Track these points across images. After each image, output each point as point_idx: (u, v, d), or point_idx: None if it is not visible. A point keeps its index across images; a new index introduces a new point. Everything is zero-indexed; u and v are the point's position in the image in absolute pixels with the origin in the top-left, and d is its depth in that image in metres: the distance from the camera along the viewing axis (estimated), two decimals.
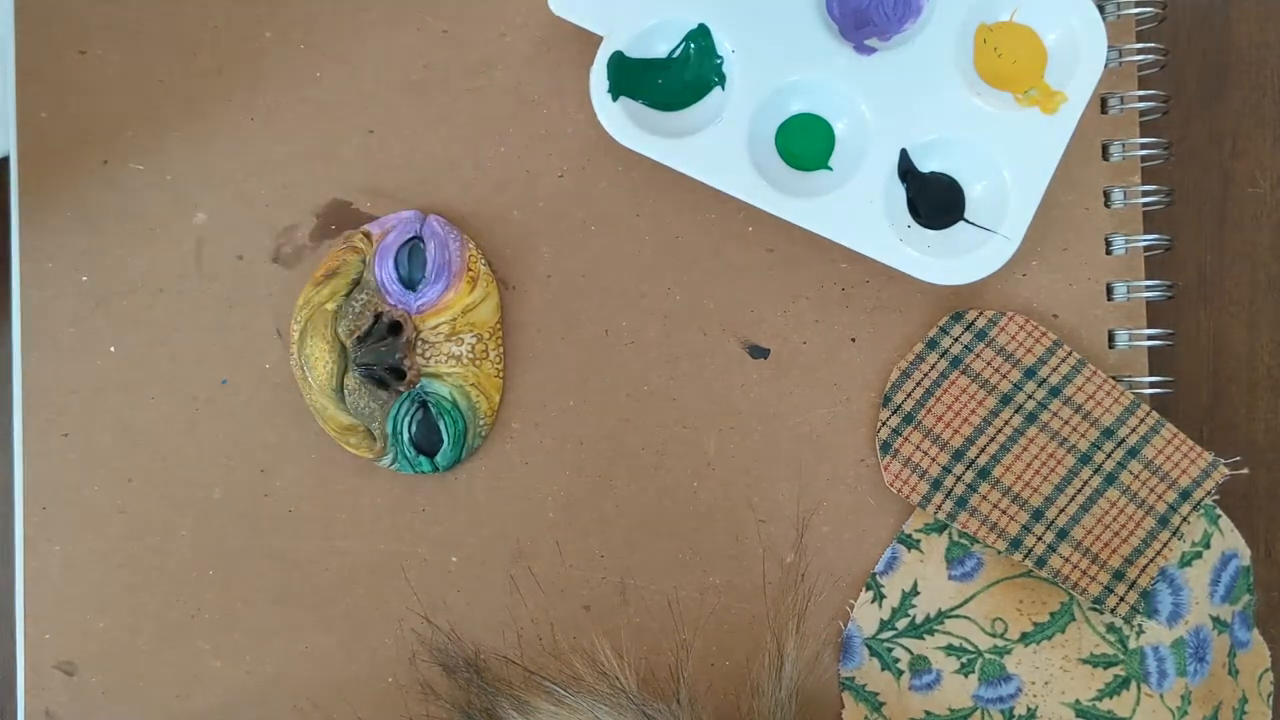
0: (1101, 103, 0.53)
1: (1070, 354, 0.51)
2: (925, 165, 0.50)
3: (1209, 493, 0.51)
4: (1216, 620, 0.51)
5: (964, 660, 0.51)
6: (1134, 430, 0.51)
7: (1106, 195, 0.53)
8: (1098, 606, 0.50)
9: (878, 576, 0.52)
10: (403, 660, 0.52)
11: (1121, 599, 0.50)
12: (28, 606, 0.52)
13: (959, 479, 0.51)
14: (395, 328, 0.51)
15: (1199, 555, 0.51)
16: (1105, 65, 0.50)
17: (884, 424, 0.52)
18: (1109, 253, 0.53)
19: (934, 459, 0.51)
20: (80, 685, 0.52)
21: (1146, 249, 0.53)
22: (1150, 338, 0.52)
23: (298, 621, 0.52)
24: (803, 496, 0.52)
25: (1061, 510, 0.50)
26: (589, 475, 0.52)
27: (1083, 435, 0.51)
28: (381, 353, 0.50)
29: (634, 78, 0.50)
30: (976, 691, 0.51)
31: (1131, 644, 0.50)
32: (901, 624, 0.51)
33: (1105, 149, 0.53)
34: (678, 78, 0.51)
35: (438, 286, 0.51)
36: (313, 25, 0.53)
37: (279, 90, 0.53)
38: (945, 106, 0.50)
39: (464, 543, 0.52)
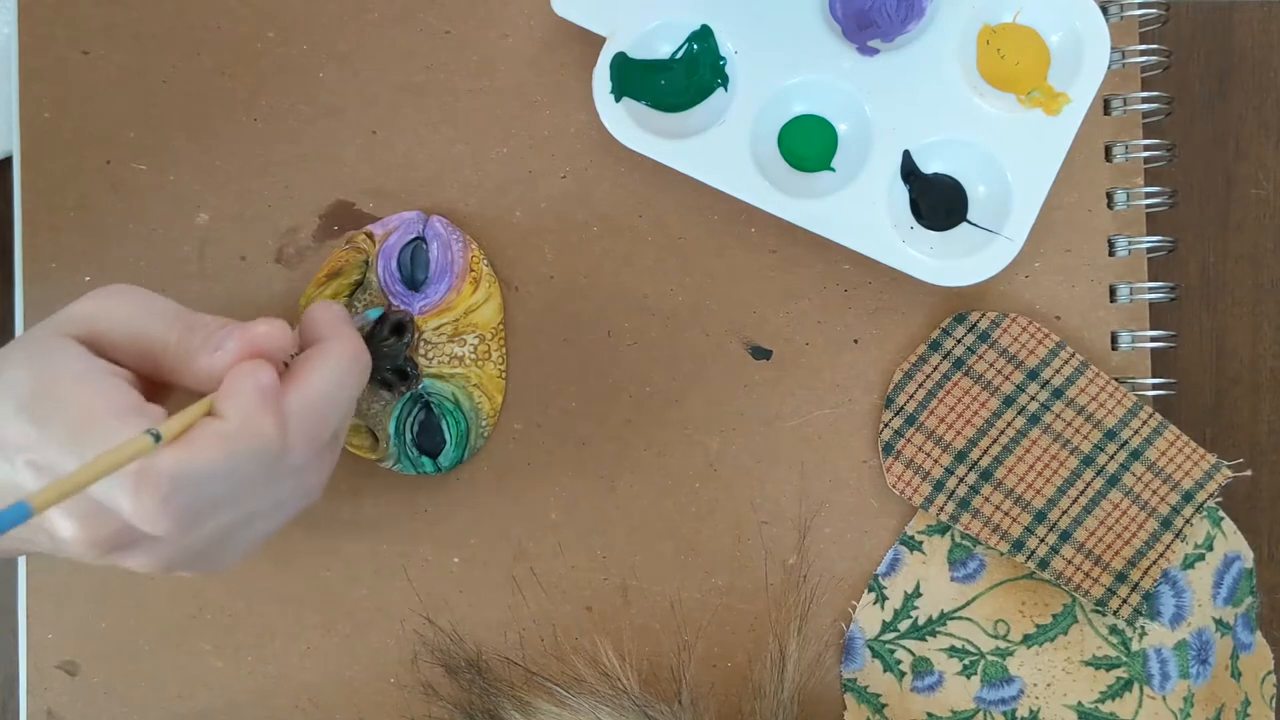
0: (1104, 104, 0.53)
1: (1073, 356, 0.51)
2: (928, 166, 0.50)
3: (1212, 495, 0.50)
4: (1219, 622, 0.51)
5: (966, 662, 0.51)
6: (1137, 432, 0.51)
7: (1109, 197, 0.53)
8: (1100, 608, 0.50)
9: (880, 578, 0.52)
10: (405, 661, 0.52)
11: (1124, 601, 0.50)
12: (30, 606, 0.52)
13: (961, 481, 0.51)
14: (398, 328, 0.51)
15: (1202, 557, 0.51)
16: (1108, 67, 0.50)
17: (886, 425, 0.52)
18: (1112, 254, 0.53)
19: (936, 460, 0.51)
20: (82, 685, 0.52)
21: (1149, 250, 0.53)
22: (1153, 339, 0.52)
23: (299, 622, 0.52)
24: (805, 498, 0.52)
25: (1064, 512, 0.50)
26: (591, 476, 0.52)
27: (1085, 437, 0.51)
28: (384, 354, 0.50)
29: (637, 79, 0.50)
30: (979, 693, 0.51)
31: (1134, 646, 0.50)
32: (904, 625, 0.51)
33: (1108, 150, 0.53)
34: (680, 79, 0.51)
35: (440, 287, 0.51)
36: (315, 26, 0.53)
37: (281, 91, 0.53)
38: (948, 108, 0.50)
39: (466, 543, 0.52)
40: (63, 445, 0.36)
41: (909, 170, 0.50)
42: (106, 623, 0.52)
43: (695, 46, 0.50)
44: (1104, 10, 0.51)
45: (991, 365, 0.51)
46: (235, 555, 0.40)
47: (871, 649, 0.52)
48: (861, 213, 0.50)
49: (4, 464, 0.37)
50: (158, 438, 0.35)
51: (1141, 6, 0.53)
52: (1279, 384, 0.55)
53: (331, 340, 0.41)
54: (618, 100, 0.50)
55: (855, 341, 0.53)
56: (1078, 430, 0.51)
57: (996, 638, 0.51)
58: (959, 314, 0.52)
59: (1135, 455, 0.51)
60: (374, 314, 0.50)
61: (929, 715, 0.51)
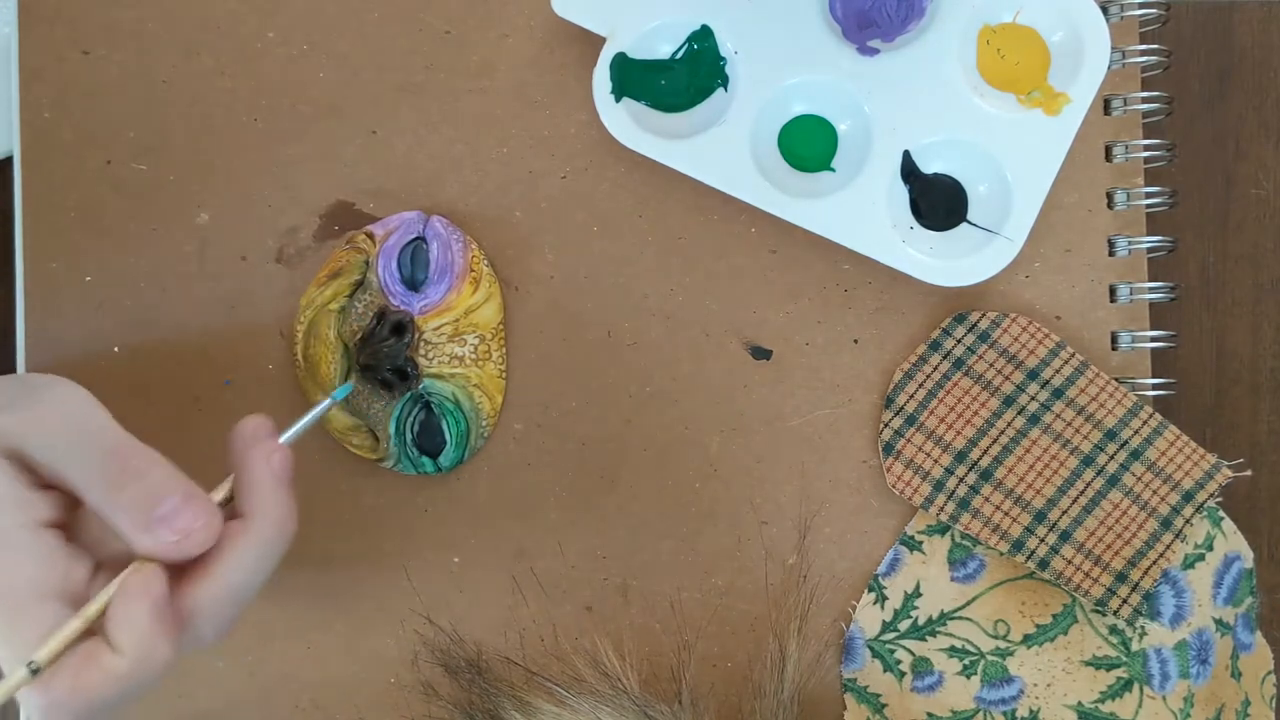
0: (1105, 104, 0.53)
1: (1073, 356, 0.51)
2: (928, 166, 0.50)
3: (1212, 495, 0.51)
4: (1219, 622, 0.51)
5: (966, 662, 0.51)
6: (1137, 432, 0.51)
7: (1110, 197, 0.53)
8: (1100, 608, 0.50)
9: (880, 578, 0.52)
10: (405, 660, 0.52)
11: (1124, 601, 0.50)
12: None
13: (961, 480, 0.51)
14: (398, 328, 0.51)
15: (1202, 557, 0.51)
16: (1108, 67, 0.49)
17: (886, 425, 0.52)
18: (1112, 254, 0.53)
19: (936, 460, 0.51)
20: None
21: (1149, 250, 0.53)
22: (1153, 339, 0.52)
23: (300, 622, 0.52)
24: (805, 498, 0.52)
25: (1064, 512, 0.50)
26: (591, 476, 0.52)
27: (1085, 437, 0.51)
28: (384, 354, 0.50)
29: (637, 79, 0.50)
30: (979, 693, 0.51)
31: (1134, 646, 0.50)
32: (904, 625, 0.51)
33: (1108, 150, 0.53)
34: (680, 79, 0.51)
35: (440, 287, 0.51)
36: (315, 26, 0.53)
37: (281, 91, 0.53)
38: (948, 108, 0.50)
39: (466, 543, 0.52)
40: None
41: (909, 170, 0.50)
42: None
43: (695, 46, 0.50)
44: (1104, 10, 0.51)
45: (991, 365, 0.51)
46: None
47: (871, 649, 0.52)
48: (861, 213, 0.50)
49: None
50: (35, 671, 0.35)
51: (1142, 6, 0.53)
52: (1278, 384, 0.55)
53: (258, 516, 0.39)
54: (618, 100, 0.50)
55: (855, 341, 0.53)
56: (1078, 430, 0.51)
57: (996, 638, 0.51)
58: (959, 314, 0.52)
59: (1135, 455, 0.51)
60: (340, 393, 0.48)
61: (929, 715, 0.51)
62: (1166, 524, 0.50)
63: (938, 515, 0.51)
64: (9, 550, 0.36)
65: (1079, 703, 0.50)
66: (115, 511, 0.37)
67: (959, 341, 0.52)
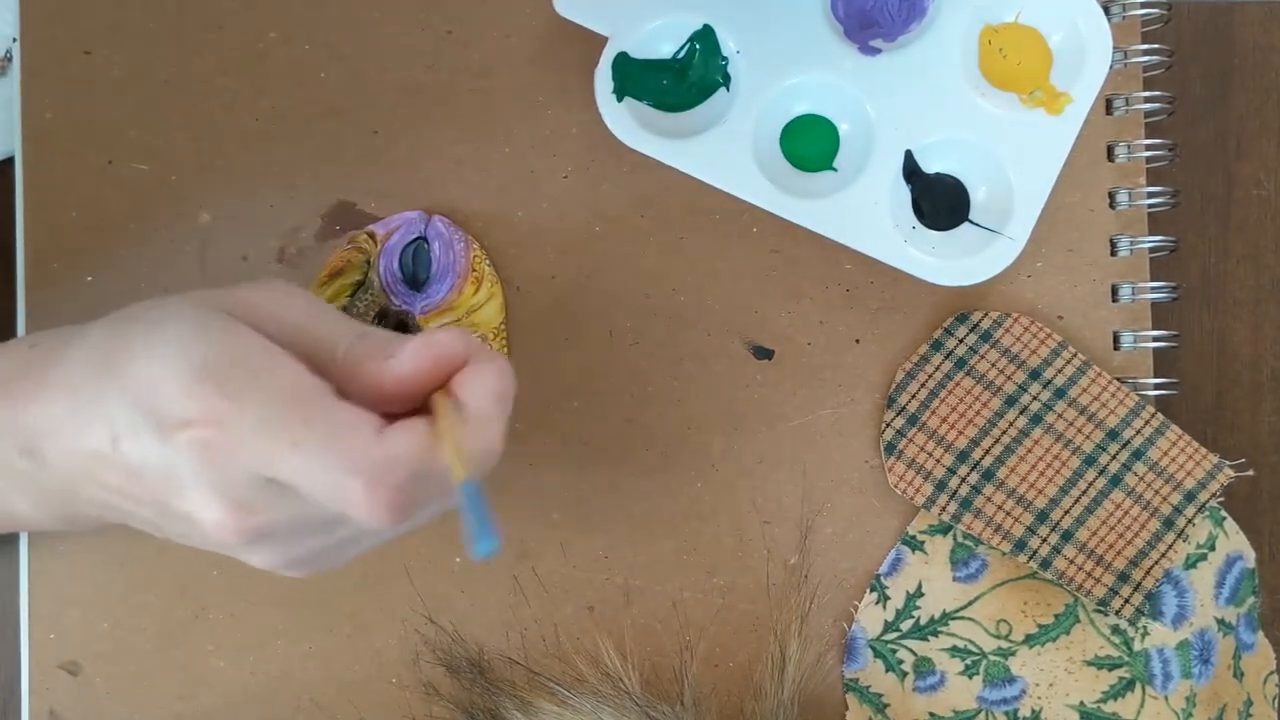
0: (1107, 104, 0.53)
1: (1075, 355, 0.51)
2: (930, 166, 0.50)
3: (1214, 495, 0.51)
4: (1221, 622, 0.51)
5: (968, 662, 0.51)
6: (1139, 432, 0.51)
7: (1111, 196, 0.53)
8: (1102, 608, 0.50)
9: (882, 578, 0.52)
10: (406, 661, 0.52)
11: (1126, 601, 0.50)
12: (32, 606, 0.52)
13: (963, 480, 0.51)
14: (400, 328, 0.51)
15: (1204, 557, 0.51)
16: (1110, 66, 0.50)
17: (888, 425, 0.52)
18: (1114, 254, 0.53)
19: (938, 460, 0.51)
20: (84, 685, 0.52)
21: (1151, 250, 0.53)
22: (1155, 339, 0.52)
23: (301, 622, 0.52)
24: (807, 498, 0.52)
25: (1066, 512, 0.50)
26: (593, 476, 0.52)
27: (1087, 437, 0.51)
28: None
29: (639, 78, 0.50)
30: (981, 693, 0.51)
31: (1136, 646, 0.50)
32: (906, 625, 0.51)
33: (1110, 150, 0.53)
34: (682, 78, 0.51)
35: (442, 287, 0.51)
36: (317, 26, 0.53)
37: (283, 91, 0.53)
38: (950, 107, 0.50)
39: None
40: (268, 423, 0.33)
41: (911, 170, 0.50)
42: (109, 623, 0.52)
43: (697, 46, 0.50)
44: (1106, 10, 0.51)
45: (994, 365, 0.51)
46: (355, 554, 0.39)
47: (873, 649, 0.52)
48: (863, 212, 0.50)
49: (151, 439, 0.34)
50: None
51: (1144, 6, 0.53)
52: None
53: (495, 357, 0.38)
54: (620, 100, 0.50)
55: (857, 341, 0.53)
56: (1080, 430, 0.51)
57: (998, 638, 0.51)
58: (961, 314, 0.52)
59: (1137, 455, 0.51)
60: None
61: (931, 715, 0.51)
62: (1169, 524, 0.50)
63: (940, 515, 0.51)
64: (286, 363, 0.34)
65: (1081, 703, 0.50)
66: (363, 355, 0.36)
67: (961, 341, 0.52)
